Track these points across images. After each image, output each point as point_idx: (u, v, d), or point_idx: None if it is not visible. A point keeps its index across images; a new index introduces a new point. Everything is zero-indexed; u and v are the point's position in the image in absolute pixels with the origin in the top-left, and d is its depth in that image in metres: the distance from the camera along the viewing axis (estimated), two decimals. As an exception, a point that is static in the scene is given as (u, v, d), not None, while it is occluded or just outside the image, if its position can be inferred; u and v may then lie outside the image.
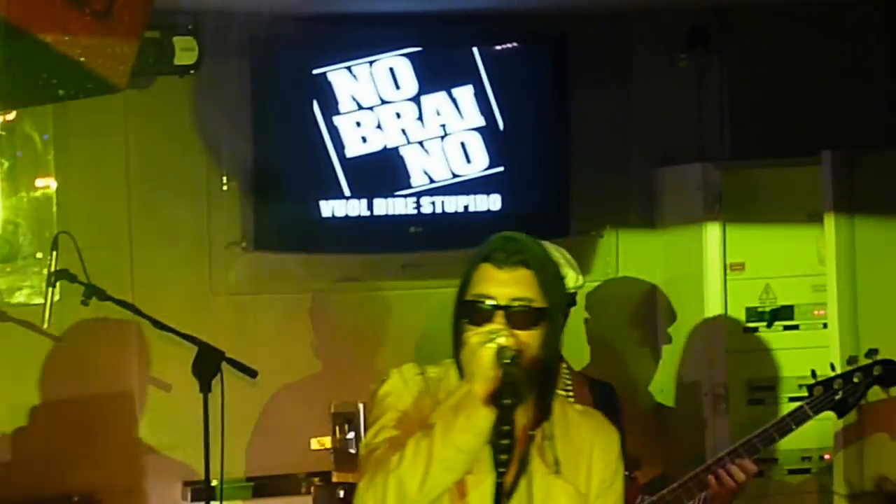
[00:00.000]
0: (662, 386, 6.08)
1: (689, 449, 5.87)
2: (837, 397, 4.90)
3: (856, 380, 4.90)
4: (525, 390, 3.24)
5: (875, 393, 5.05)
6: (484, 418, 3.20)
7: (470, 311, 3.31)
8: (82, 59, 4.60)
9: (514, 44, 5.78)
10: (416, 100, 5.64)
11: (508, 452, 3.20)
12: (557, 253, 4.78)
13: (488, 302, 3.29)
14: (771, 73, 6.15)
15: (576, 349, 5.36)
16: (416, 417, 3.35)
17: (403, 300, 5.74)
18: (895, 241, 5.62)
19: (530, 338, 3.29)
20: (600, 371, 5.20)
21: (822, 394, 4.88)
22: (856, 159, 5.62)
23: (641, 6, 5.93)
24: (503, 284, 3.30)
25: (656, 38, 6.11)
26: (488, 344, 3.22)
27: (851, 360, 4.97)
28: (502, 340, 3.22)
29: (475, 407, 3.21)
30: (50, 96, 5.02)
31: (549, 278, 3.35)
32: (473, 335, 3.26)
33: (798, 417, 4.81)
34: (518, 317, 3.28)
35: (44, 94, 4.96)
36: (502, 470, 3.20)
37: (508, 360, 3.19)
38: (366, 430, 3.45)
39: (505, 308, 3.28)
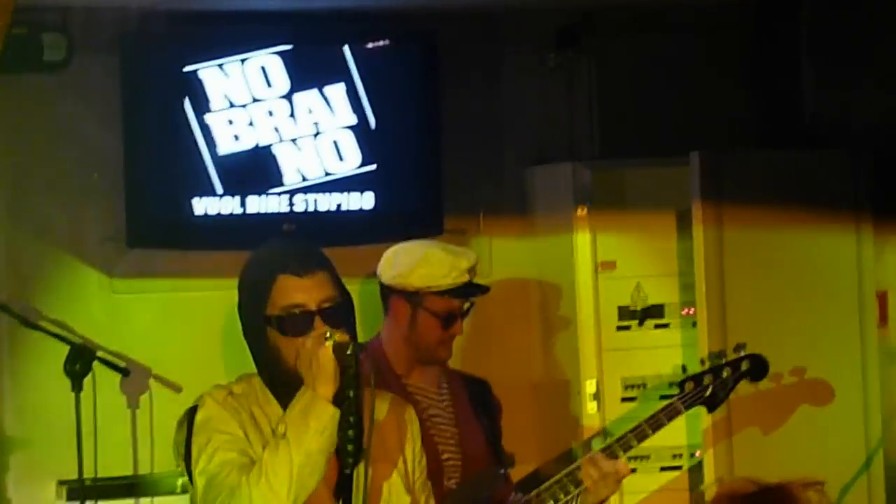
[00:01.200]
0: (538, 383, 6.13)
1: (563, 446, 5.93)
2: (707, 393, 4.98)
3: (724, 375, 4.99)
4: (356, 383, 3.37)
5: (744, 387, 5.14)
6: (333, 418, 3.33)
7: (285, 324, 3.45)
8: None
9: (386, 42, 5.79)
10: (288, 98, 5.62)
11: (357, 443, 3.35)
12: (442, 251, 4.86)
13: (303, 310, 3.43)
14: (640, 74, 6.21)
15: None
16: (242, 435, 3.46)
17: None
18: (761, 240, 5.74)
19: (342, 336, 3.42)
20: (477, 368, 5.23)
21: (693, 389, 4.96)
22: (722, 160, 5.73)
23: (511, 7, 5.97)
24: (310, 290, 3.45)
25: (526, 38, 6.15)
26: (325, 343, 3.35)
27: (721, 355, 5.08)
28: (337, 337, 3.36)
29: (323, 408, 3.33)
30: None
31: (338, 275, 3.53)
32: (306, 341, 3.40)
33: (670, 413, 4.87)
34: (333, 317, 3.45)
35: None
36: (351, 460, 3.35)
37: (350, 353, 3.34)
38: (189, 457, 3.51)
39: (319, 312, 3.44)
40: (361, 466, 3.43)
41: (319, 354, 3.35)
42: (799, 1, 6.24)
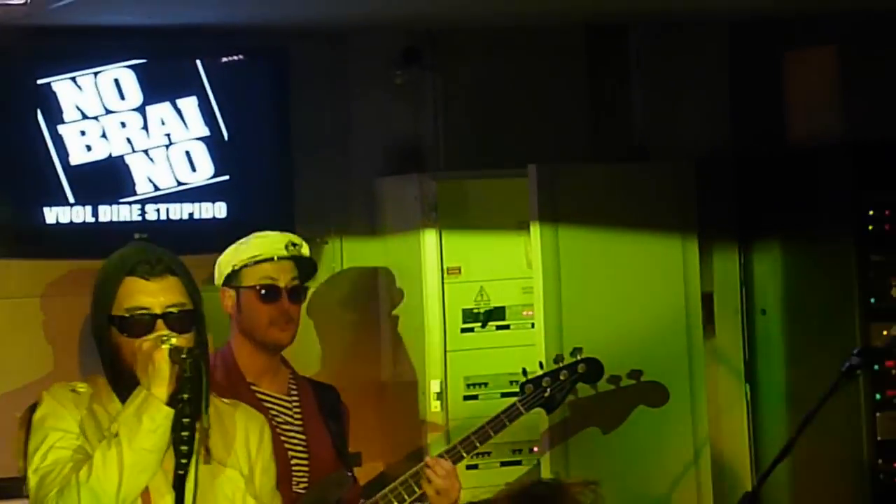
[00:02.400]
0: (385, 384, 6.22)
1: (410, 445, 6.02)
2: (546, 395, 5.18)
3: (562, 377, 5.19)
4: (202, 384, 3.43)
5: (582, 389, 5.40)
6: (167, 417, 3.41)
7: (126, 325, 3.53)
8: None
9: (237, 57, 5.84)
10: (141, 110, 5.67)
11: (190, 444, 3.42)
12: (256, 235, 4.96)
13: (145, 313, 3.52)
14: (482, 90, 6.32)
15: (303, 353, 5.51)
16: (79, 433, 3.53)
17: None
18: (595, 247, 5.91)
19: (188, 340, 3.51)
20: (326, 372, 5.37)
21: (533, 391, 5.15)
22: (558, 172, 5.88)
23: (359, 25, 6.04)
24: (155, 294, 3.54)
25: (373, 55, 6.23)
26: (162, 346, 3.45)
27: (558, 359, 5.27)
28: (174, 341, 3.45)
29: (157, 408, 3.41)
30: None
31: (192, 283, 3.62)
32: (144, 342, 3.48)
33: (511, 415, 5.09)
34: (176, 322, 3.53)
35: None
36: (185, 461, 3.42)
37: (185, 356, 3.41)
38: (27, 456, 3.56)
39: (163, 316, 3.52)
40: (201, 468, 3.49)
41: (155, 357, 3.42)
42: (626, 24, 6.38)
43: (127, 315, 3.53)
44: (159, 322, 3.52)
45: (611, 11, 5.98)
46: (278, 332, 4.88)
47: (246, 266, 4.88)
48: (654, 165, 6.19)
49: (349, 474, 5.00)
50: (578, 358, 5.28)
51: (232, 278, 4.91)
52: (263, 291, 4.86)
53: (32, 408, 3.60)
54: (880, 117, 6.17)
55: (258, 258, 4.87)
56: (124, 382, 3.53)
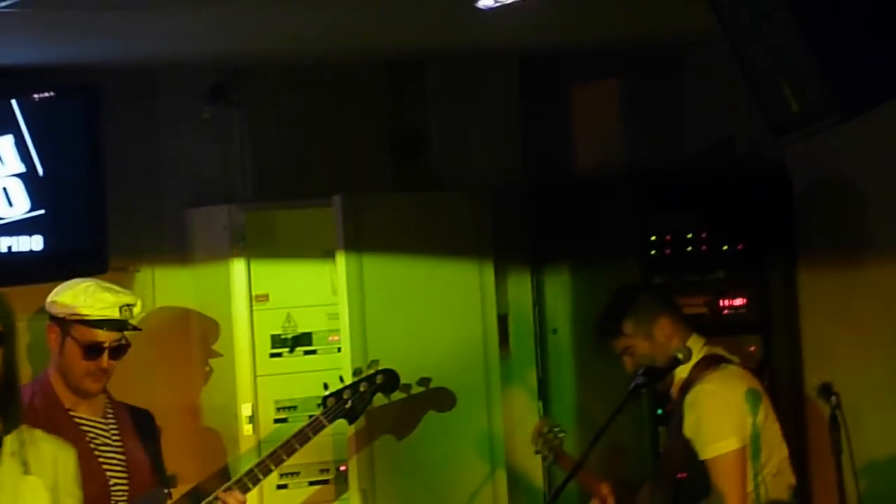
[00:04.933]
0: (198, 408, 6.29)
1: (222, 464, 6.11)
2: (347, 406, 5.39)
3: (362, 389, 5.39)
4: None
5: (379, 399, 5.59)
6: None
7: None
8: None
9: (50, 95, 5.86)
10: None
11: None
12: (98, 286, 5.06)
13: None
14: (289, 124, 6.43)
15: (121, 380, 5.49)
16: None
17: None
18: (397, 273, 6.08)
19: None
20: (142, 396, 5.43)
21: (335, 404, 5.34)
22: (361, 202, 6.04)
23: (167, 63, 6.09)
24: None
25: (182, 91, 6.31)
26: None
27: (357, 372, 5.45)
28: None
29: None
30: None
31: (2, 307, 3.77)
32: None
33: (315, 427, 5.27)
34: None
35: None
36: None
37: None
38: None
39: None
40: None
41: None
42: (423, 59, 6.55)
43: None
44: None
45: (406, 47, 6.11)
46: (91, 382, 5.02)
47: (77, 322, 4.99)
48: (452, 194, 6.35)
49: (165, 491, 5.15)
50: (376, 370, 5.48)
51: (61, 322, 5.02)
52: (86, 349, 5.00)
53: None
54: (660, 147, 6.53)
55: (89, 318, 4.98)
56: None
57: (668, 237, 6.14)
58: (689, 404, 4.93)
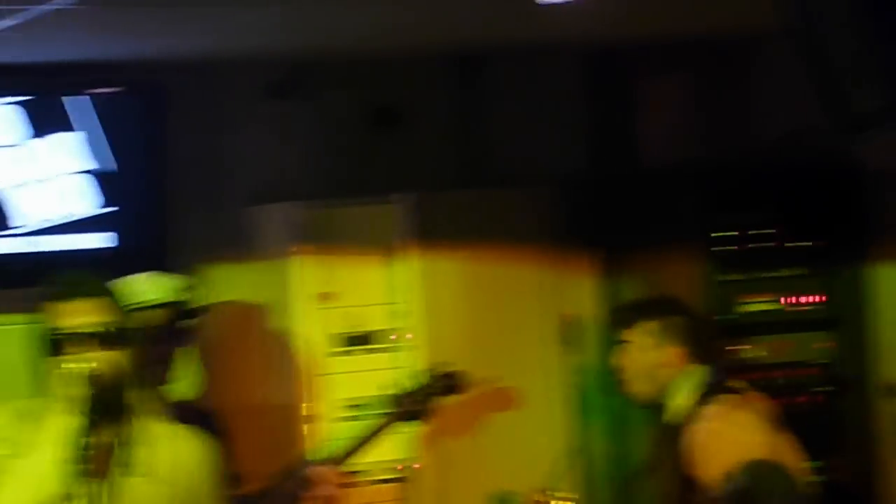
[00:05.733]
0: (263, 408, 6.29)
1: (286, 463, 5.95)
2: (413, 407, 5.39)
3: (428, 390, 5.40)
4: (109, 403, 3.59)
5: (444, 399, 5.51)
6: (68, 432, 3.56)
7: (52, 346, 3.69)
8: None
9: (120, 91, 5.91)
10: (26, 144, 5.74)
11: (88, 464, 3.55)
12: (148, 275, 5.08)
13: (61, 333, 3.68)
14: (349, 120, 6.45)
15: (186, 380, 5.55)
16: (16, 443, 3.69)
17: (21, 333, 5.74)
18: (461, 270, 6.09)
19: (103, 358, 3.65)
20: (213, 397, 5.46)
21: (402, 404, 5.37)
22: (426, 199, 6.05)
23: (231, 59, 6.11)
24: (71, 315, 3.69)
25: (246, 87, 6.34)
26: (67, 366, 3.61)
27: (424, 373, 5.46)
28: (83, 363, 3.60)
29: (61, 422, 3.58)
30: None
31: (113, 305, 3.76)
32: (55, 362, 3.64)
33: (382, 426, 5.26)
34: (90, 341, 3.67)
35: None
36: (85, 476, 3.55)
37: (88, 378, 3.57)
38: None
39: (77, 335, 3.67)
40: (109, 482, 3.63)
41: (61, 374, 3.61)
42: (488, 53, 6.54)
43: (51, 335, 3.70)
44: (73, 340, 3.67)
45: (471, 40, 6.12)
46: (156, 373, 5.01)
47: (131, 309, 4.91)
48: (518, 190, 6.35)
49: (233, 493, 5.01)
50: (443, 370, 5.46)
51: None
52: (156, 335, 5.00)
53: None
54: (729, 140, 6.48)
55: (142, 305, 4.98)
56: (54, 397, 3.70)
57: (736, 232, 6.13)
58: (691, 442, 4.82)
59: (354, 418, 6.06)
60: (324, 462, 5.08)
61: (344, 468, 5.16)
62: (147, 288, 5.03)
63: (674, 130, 6.60)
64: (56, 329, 3.70)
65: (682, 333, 4.98)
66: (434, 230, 6.05)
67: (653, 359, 4.97)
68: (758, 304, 5.97)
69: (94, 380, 3.58)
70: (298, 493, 4.99)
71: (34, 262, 5.79)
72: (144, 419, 3.79)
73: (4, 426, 3.71)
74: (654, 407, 5.01)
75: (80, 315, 3.70)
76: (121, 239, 5.92)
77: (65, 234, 5.85)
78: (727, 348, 6.02)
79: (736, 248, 6.13)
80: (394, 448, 6.06)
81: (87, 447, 3.55)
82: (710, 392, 4.88)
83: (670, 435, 4.88)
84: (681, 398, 4.87)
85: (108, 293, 3.80)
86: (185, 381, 5.28)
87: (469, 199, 6.25)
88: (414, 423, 5.50)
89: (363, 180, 6.39)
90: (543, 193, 6.31)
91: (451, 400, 5.62)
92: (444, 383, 5.44)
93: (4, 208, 5.76)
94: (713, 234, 6.10)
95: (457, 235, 6.10)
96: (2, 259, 5.77)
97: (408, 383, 5.49)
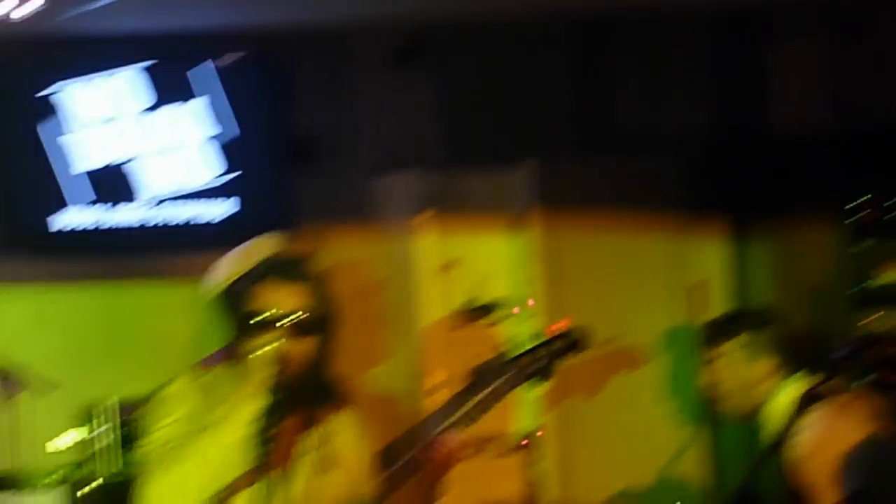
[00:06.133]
0: (385, 377, 6.28)
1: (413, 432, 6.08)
2: (538, 366, 5.29)
3: (553, 348, 5.30)
4: (298, 391, 3.51)
5: (569, 360, 5.29)
6: (258, 415, 3.48)
7: (252, 322, 3.57)
8: None
9: (243, 59, 5.94)
10: (148, 114, 5.80)
11: (270, 446, 3.48)
12: (256, 242, 5.07)
13: (266, 316, 3.56)
14: (475, 87, 6.42)
15: None
16: (191, 419, 3.58)
17: (141, 301, 5.86)
18: (586, 237, 6.04)
19: (302, 346, 3.56)
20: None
21: (526, 364, 5.28)
22: (551, 167, 6.01)
23: (357, 27, 6.14)
24: (283, 297, 3.58)
25: (371, 55, 6.33)
26: (262, 350, 3.51)
27: (547, 332, 5.39)
28: (275, 347, 3.50)
29: (256, 402, 3.49)
30: None
31: (320, 292, 3.67)
32: (250, 344, 3.54)
33: (506, 387, 5.07)
34: (296, 326, 3.56)
35: None
36: (265, 461, 3.48)
37: (283, 364, 3.47)
38: (134, 429, 3.69)
39: (285, 317, 3.55)
40: (310, 469, 3.59)
41: (256, 358, 3.51)
42: (611, 17, 6.50)
43: (254, 313, 3.61)
44: (275, 325, 3.58)
45: (595, 5, 6.07)
46: None
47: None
48: (644, 158, 6.29)
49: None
50: (567, 329, 5.33)
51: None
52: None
53: (159, 388, 3.71)
54: (866, 105, 6.31)
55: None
56: (239, 375, 3.62)
57: (872, 200, 5.98)
58: (795, 455, 4.69)
59: (477, 385, 6.00)
60: (447, 429, 5.00)
61: (467, 435, 5.09)
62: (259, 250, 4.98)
63: (806, 96, 6.46)
64: (255, 311, 3.61)
65: (774, 344, 4.87)
66: (558, 197, 6.02)
67: (747, 373, 4.86)
68: (893, 275, 5.81)
69: (289, 365, 3.50)
70: (422, 460, 4.93)
71: (160, 230, 5.85)
72: (325, 406, 3.75)
73: (185, 399, 3.66)
74: (751, 422, 4.91)
75: (290, 299, 3.61)
76: (244, 205, 5.95)
77: (189, 201, 5.91)
78: (860, 320, 5.88)
79: (870, 216, 5.98)
80: (518, 415, 6.09)
81: (271, 432, 3.49)
82: (809, 401, 4.76)
83: (771, 450, 4.78)
84: (778, 411, 4.76)
85: (309, 278, 3.71)
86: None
87: (595, 166, 6.21)
88: (537, 384, 5.43)
89: (487, 148, 6.36)
90: (671, 161, 6.24)
91: (575, 360, 5.46)
92: (567, 342, 5.32)
93: (127, 178, 5.83)
94: (846, 203, 5.97)
95: (581, 203, 6.07)
96: (126, 228, 5.84)
97: (530, 344, 5.39)
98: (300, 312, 3.59)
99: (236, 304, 3.66)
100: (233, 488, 3.56)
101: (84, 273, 5.90)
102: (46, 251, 5.80)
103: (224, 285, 3.91)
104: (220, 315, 3.72)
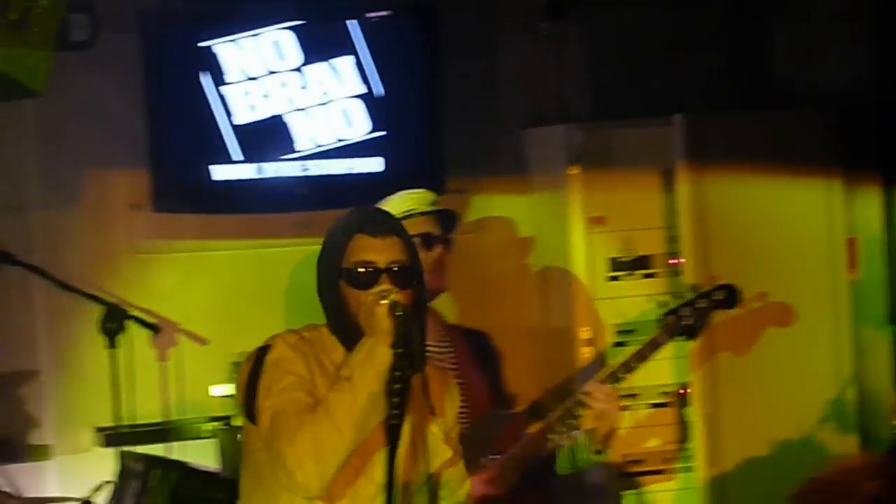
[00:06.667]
0: (535, 332, 6.31)
1: (561, 387, 6.02)
2: (687, 323, 5.24)
3: (701, 305, 5.25)
4: (408, 340, 3.54)
5: (718, 315, 5.33)
6: (378, 368, 3.53)
7: (354, 277, 3.67)
8: (1, 67, 4.78)
9: (389, 14, 5.95)
10: (299, 70, 5.82)
11: (402, 396, 3.51)
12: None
13: (371, 267, 3.66)
14: (625, 40, 6.38)
15: (455, 300, 5.63)
16: (310, 377, 3.65)
17: (293, 257, 5.90)
18: (739, 194, 5.96)
19: (407, 296, 3.64)
20: (478, 320, 5.41)
21: (674, 321, 5.21)
22: (703, 120, 5.94)
23: None
24: (381, 251, 3.67)
25: (519, 8, 6.32)
26: (382, 301, 3.56)
27: (695, 288, 5.33)
28: (394, 297, 3.58)
29: (384, 354, 3.53)
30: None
31: (411, 245, 3.75)
32: (368, 296, 3.61)
33: (654, 344, 5.07)
34: (397, 278, 3.66)
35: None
36: (396, 412, 3.51)
37: (401, 313, 3.54)
38: (253, 393, 3.70)
39: (386, 271, 3.66)
40: (412, 419, 3.65)
41: (377, 310, 3.56)
42: None
43: (355, 268, 3.68)
44: (383, 276, 3.67)
45: None
46: (438, 278, 4.97)
47: (404, 219, 4.91)
48: (798, 111, 6.20)
49: (508, 413, 5.10)
50: (716, 285, 5.25)
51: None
52: (422, 241, 4.94)
53: (261, 349, 3.74)
54: None
55: (413, 212, 4.97)
56: (347, 332, 3.69)
57: None
58: None
59: (628, 340, 6.01)
60: (599, 382, 4.98)
61: (619, 389, 5.07)
62: (410, 198, 5.02)
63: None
64: (362, 263, 3.69)
65: None
66: (712, 152, 5.94)
67: None
68: None
69: (403, 315, 3.56)
70: (575, 412, 4.92)
71: (308, 186, 5.89)
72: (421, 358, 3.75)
73: (298, 360, 3.70)
74: None
75: (386, 251, 3.69)
76: (391, 163, 5.97)
77: (336, 159, 5.93)
78: None
79: None
80: (668, 371, 6.07)
81: (403, 384, 3.53)
82: None
83: None
84: None
85: (406, 233, 3.79)
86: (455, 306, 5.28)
87: (748, 120, 6.12)
88: (688, 338, 5.38)
89: (638, 100, 6.31)
90: (826, 115, 6.14)
91: (727, 315, 5.47)
92: (718, 297, 5.28)
93: (279, 134, 5.86)
94: None
95: (735, 157, 5.97)
96: (278, 184, 5.87)
97: (681, 299, 5.35)
98: (399, 264, 3.66)
99: (335, 258, 3.70)
100: (367, 446, 3.59)
101: (236, 229, 5.97)
102: (204, 205, 5.88)
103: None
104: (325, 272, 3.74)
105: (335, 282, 3.72)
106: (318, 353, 3.73)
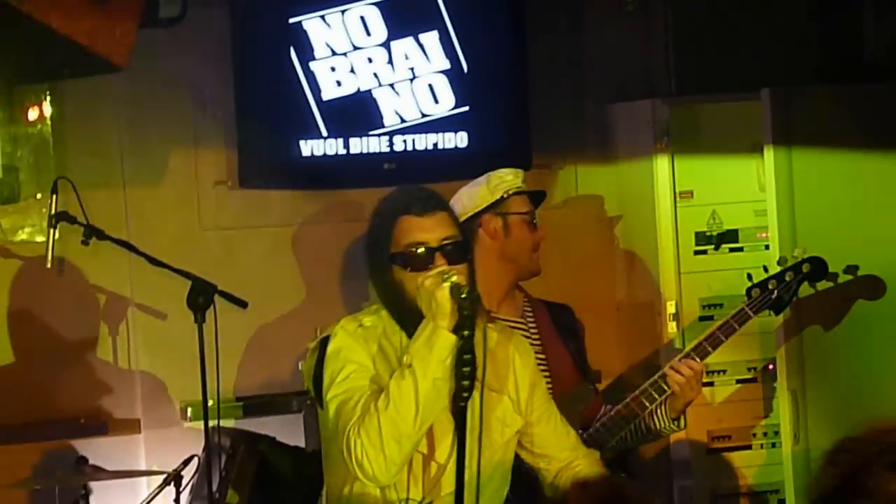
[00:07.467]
0: (621, 305, 6.32)
1: (648, 364, 6.06)
2: (773, 297, 5.20)
3: (787, 278, 5.20)
4: (469, 317, 3.49)
5: (805, 290, 5.38)
6: (454, 346, 3.49)
7: (407, 260, 3.60)
8: (85, 41, 4.82)
9: None
10: (385, 45, 5.85)
11: (471, 379, 3.49)
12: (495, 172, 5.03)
13: (424, 247, 3.60)
14: (713, 14, 6.31)
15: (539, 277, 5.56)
16: (371, 365, 3.63)
17: None
18: (827, 168, 5.88)
19: (463, 271, 3.59)
20: (563, 294, 5.40)
21: (760, 295, 5.16)
22: (791, 95, 5.86)
23: None
24: (430, 229, 3.61)
25: None
26: (443, 283, 3.50)
27: (782, 261, 5.27)
28: (455, 278, 3.51)
29: (445, 339, 3.48)
30: (54, 76, 5.24)
31: (458, 218, 3.72)
32: (426, 279, 3.54)
33: (740, 318, 5.06)
34: (452, 253, 3.61)
35: (49, 74, 5.18)
36: (466, 394, 3.50)
37: (464, 295, 3.47)
38: (320, 382, 3.69)
39: (440, 249, 3.60)
40: (477, 396, 3.58)
41: (437, 294, 3.48)
42: None
43: (406, 251, 3.62)
44: (437, 255, 3.61)
45: None
46: (536, 261, 4.98)
47: (516, 194, 4.95)
48: (887, 86, 6.10)
49: (591, 387, 5.09)
50: (802, 258, 5.25)
51: (496, 204, 4.97)
52: (531, 218, 4.95)
53: (324, 339, 3.72)
54: None
55: (521, 189, 4.95)
56: (408, 317, 3.64)
57: None
58: None
59: (714, 314, 6.01)
60: (685, 357, 4.97)
61: (705, 364, 5.05)
62: (511, 177, 4.99)
63: None
64: (414, 244, 3.64)
65: None
66: (799, 126, 5.86)
67: None
68: None
69: (465, 300, 3.49)
70: (661, 385, 4.90)
71: (395, 161, 5.91)
72: (491, 329, 3.75)
73: (359, 347, 3.68)
74: None
75: (437, 228, 3.65)
76: (476, 139, 5.98)
77: (421, 134, 5.94)
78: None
79: None
80: (755, 346, 6.06)
81: (462, 367, 3.49)
82: None
83: None
84: None
85: (445, 207, 3.75)
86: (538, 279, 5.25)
87: (838, 94, 6.04)
88: (775, 313, 5.34)
89: (725, 75, 6.25)
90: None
91: (813, 290, 5.47)
92: (805, 270, 5.24)
93: (365, 109, 5.89)
94: None
95: (823, 132, 5.89)
96: (365, 159, 5.90)
97: (767, 275, 5.31)
98: (451, 240, 3.60)
99: (384, 243, 3.64)
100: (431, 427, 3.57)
101: (323, 204, 6.00)
102: (292, 180, 5.92)
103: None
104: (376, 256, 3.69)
105: (388, 267, 3.65)
106: (378, 338, 3.68)
